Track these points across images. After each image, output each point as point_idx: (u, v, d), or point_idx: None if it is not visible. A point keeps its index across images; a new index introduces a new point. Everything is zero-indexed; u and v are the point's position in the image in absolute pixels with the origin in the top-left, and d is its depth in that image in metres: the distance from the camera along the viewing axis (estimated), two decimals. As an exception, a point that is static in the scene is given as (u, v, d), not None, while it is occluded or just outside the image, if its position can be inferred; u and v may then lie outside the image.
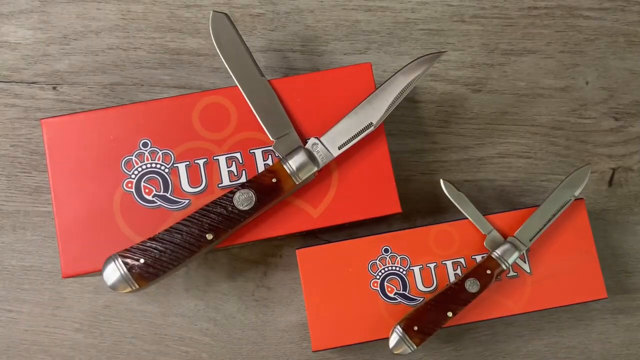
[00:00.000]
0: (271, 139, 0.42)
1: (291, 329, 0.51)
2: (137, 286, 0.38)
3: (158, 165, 0.43)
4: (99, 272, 0.40)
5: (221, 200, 0.40)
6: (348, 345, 0.45)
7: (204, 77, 0.53)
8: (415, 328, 0.43)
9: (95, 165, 0.42)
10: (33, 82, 0.52)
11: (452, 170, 0.54)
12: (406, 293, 0.46)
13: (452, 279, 0.46)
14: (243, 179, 0.43)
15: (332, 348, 0.45)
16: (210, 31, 0.42)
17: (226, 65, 0.42)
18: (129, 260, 0.38)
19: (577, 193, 0.47)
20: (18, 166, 0.51)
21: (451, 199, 0.47)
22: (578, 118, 0.56)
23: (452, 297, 0.44)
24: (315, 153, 0.42)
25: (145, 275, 0.38)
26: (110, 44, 0.53)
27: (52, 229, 0.51)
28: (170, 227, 0.39)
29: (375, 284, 0.46)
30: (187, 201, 0.42)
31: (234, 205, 0.40)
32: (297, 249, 0.46)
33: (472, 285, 0.44)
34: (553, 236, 0.47)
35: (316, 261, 0.46)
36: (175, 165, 0.43)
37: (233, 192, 0.40)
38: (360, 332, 0.45)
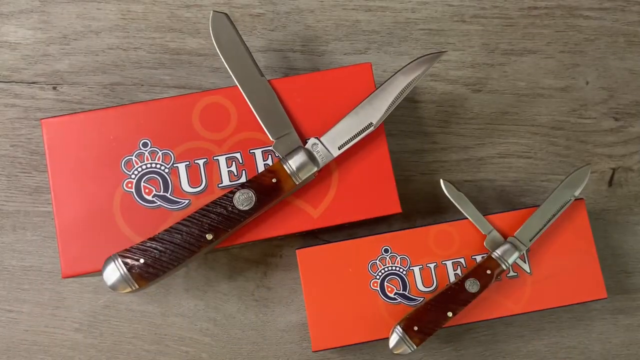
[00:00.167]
0: (271, 139, 0.42)
1: (291, 329, 0.51)
2: (137, 286, 0.38)
3: (158, 165, 0.43)
4: (99, 272, 0.40)
5: (221, 201, 0.40)
6: (348, 345, 0.45)
7: (204, 77, 0.53)
8: (415, 328, 0.43)
9: (95, 165, 0.42)
10: (33, 82, 0.52)
11: (452, 170, 0.54)
12: (406, 293, 0.46)
13: (452, 279, 0.46)
14: (243, 179, 0.43)
15: (332, 348, 0.45)
16: (210, 31, 0.42)
17: (226, 65, 0.42)
18: (129, 261, 0.38)
19: (577, 193, 0.47)
20: (18, 166, 0.51)
21: (451, 199, 0.47)
22: (578, 118, 0.56)
23: (452, 297, 0.44)
24: (315, 153, 0.42)
25: (145, 275, 0.38)
26: (110, 44, 0.53)
27: (52, 229, 0.51)
28: (170, 227, 0.39)
29: (375, 284, 0.46)
30: (187, 201, 0.42)
31: (234, 205, 0.40)
32: (297, 249, 0.46)
33: (472, 286, 0.44)
34: (553, 236, 0.47)
35: (316, 261, 0.46)
36: (175, 165, 0.43)
37: (233, 192, 0.40)
38: (360, 332, 0.45)
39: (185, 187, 0.42)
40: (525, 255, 0.47)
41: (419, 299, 0.46)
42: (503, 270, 0.45)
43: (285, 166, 0.41)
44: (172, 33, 0.53)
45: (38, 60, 0.52)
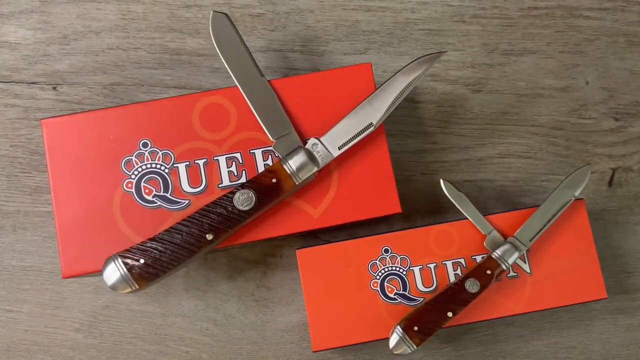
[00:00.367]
0: (271, 139, 0.42)
1: (291, 329, 0.51)
2: (137, 286, 0.38)
3: (158, 166, 0.43)
4: (99, 272, 0.40)
5: (221, 201, 0.40)
6: (348, 346, 0.45)
7: (204, 77, 0.53)
8: (415, 328, 0.43)
9: (95, 166, 0.42)
10: (33, 82, 0.52)
11: (452, 171, 0.54)
12: (406, 293, 0.46)
13: (452, 279, 0.46)
14: (243, 179, 0.43)
15: (332, 348, 0.45)
16: (210, 31, 0.42)
17: (226, 66, 0.42)
18: (129, 261, 0.38)
19: (577, 193, 0.47)
20: (18, 166, 0.51)
21: (451, 199, 0.47)
22: (578, 118, 0.56)
23: (452, 297, 0.44)
24: (315, 153, 0.42)
25: (145, 275, 0.38)
26: (110, 44, 0.53)
27: (52, 229, 0.51)
28: (170, 228, 0.39)
29: (375, 284, 0.46)
30: (187, 201, 0.42)
31: (234, 206, 0.40)
32: (297, 249, 0.46)
33: (472, 286, 0.44)
34: (553, 236, 0.47)
35: (316, 261, 0.46)
36: (175, 165, 0.43)
37: (233, 192, 0.40)
38: (360, 332, 0.45)
39: (185, 187, 0.42)
40: (525, 255, 0.47)
41: (419, 299, 0.46)
42: (503, 271, 0.45)
43: (285, 166, 0.41)
44: (172, 33, 0.53)
45: (38, 61, 0.52)
